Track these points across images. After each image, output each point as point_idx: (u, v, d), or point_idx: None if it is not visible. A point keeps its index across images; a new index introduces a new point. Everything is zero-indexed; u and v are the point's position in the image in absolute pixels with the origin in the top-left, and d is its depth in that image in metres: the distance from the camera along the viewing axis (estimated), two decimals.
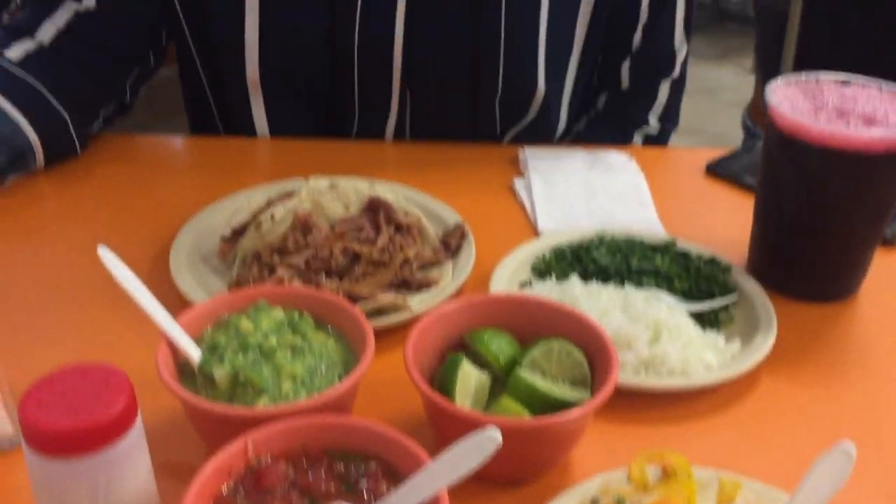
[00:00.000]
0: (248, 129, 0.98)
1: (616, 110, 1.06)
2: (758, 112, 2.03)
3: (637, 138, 1.06)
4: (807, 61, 1.70)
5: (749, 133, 2.04)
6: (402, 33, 0.91)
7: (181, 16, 0.95)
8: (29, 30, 0.89)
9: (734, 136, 2.36)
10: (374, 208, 0.72)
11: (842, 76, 0.70)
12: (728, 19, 4.09)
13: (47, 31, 0.89)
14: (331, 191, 0.73)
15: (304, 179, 0.80)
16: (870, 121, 0.65)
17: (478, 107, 0.97)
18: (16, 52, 0.87)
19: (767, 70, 1.92)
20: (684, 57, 1.05)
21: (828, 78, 0.70)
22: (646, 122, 1.06)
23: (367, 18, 0.90)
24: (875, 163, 0.63)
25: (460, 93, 0.96)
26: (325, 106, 0.97)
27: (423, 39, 0.92)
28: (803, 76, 0.70)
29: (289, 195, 0.74)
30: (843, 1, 1.64)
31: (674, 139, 1.11)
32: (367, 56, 0.92)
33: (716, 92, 3.50)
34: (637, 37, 1.01)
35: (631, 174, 0.88)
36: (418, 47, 0.92)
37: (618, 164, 0.89)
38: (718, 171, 0.90)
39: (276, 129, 0.98)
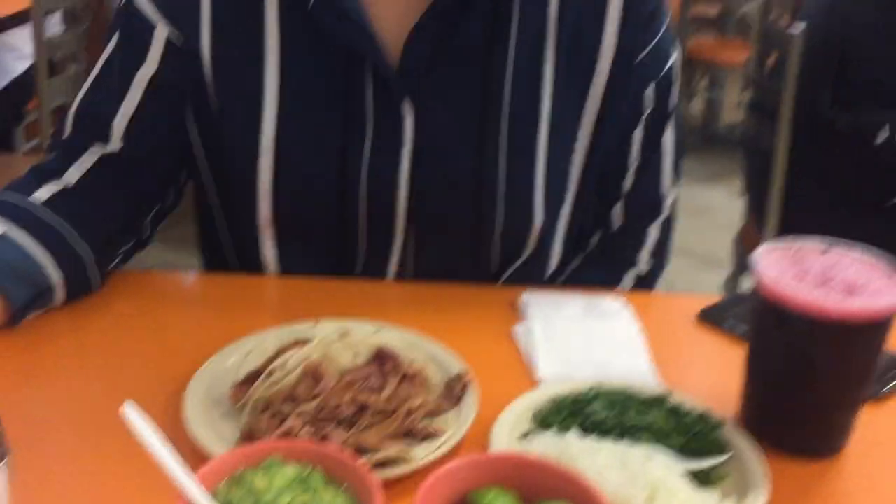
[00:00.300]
0: (258, 263, 1.02)
1: (608, 250, 1.11)
2: (748, 240, 2.09)
3: (628, 279, 1.11)
4: (793, 198, 1.77)
5: (740, 262, 2.10)
6: (406, 178, 0.97)
7: (201, 158, 1.01)
8: (56, 172, 0.94)
9: (724, 258, 2.42)
10: (382, 358, 0.75)
11: (823, 242, 0.75)
12: (718, 142, 4.24)
13: (73, 174, 0.94)
14: (341, 340, 0.76)
15: (313, 322, 0.84)
16: (850, 289, 0.69)
17: (478, 243, 1.02)
18: (43, 193, 0.92)
19: (754, 204, 1.99)
20: (673, 201, 1.11)
21: (810, 245, 0.75)
22: (637, 258, 1.10)
23: (375, 166, 0.96)
24: (857, 331, 0.68)
25: (461, 231, 1.01)
26: (332, 244, 1.01)
27: (427, 183, 0.97)
28: (786, 243, 0.75)
29: (300, 343, 0.77)
30: (827, 140, 1.73)
31: None
32: (374, 200, 0.97)
33: (706, 213, 3.60)
34: (628, 180, 1.07)
35: (626, 322, 0.92)
36: (422, 191, 0.97)
37: (613, 312, 0.93)
38: (710, 319, 0.94)
39: (285, 264, 1.02)
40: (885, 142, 1.57)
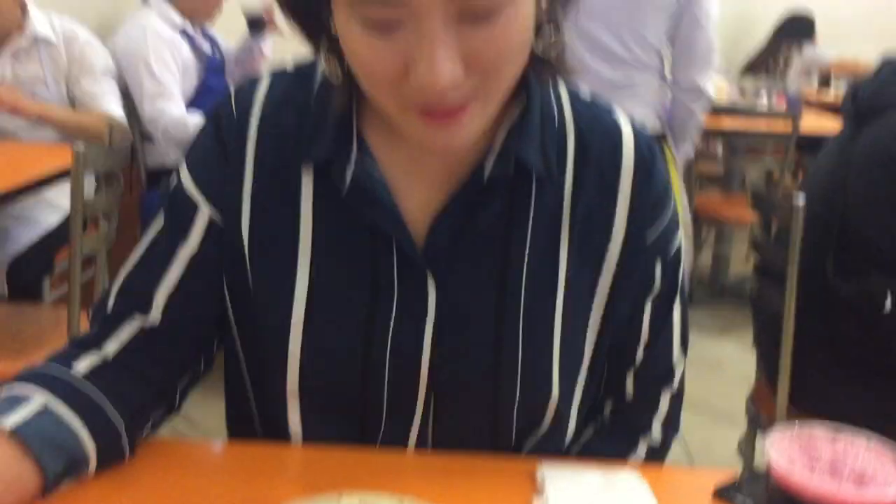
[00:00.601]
0: (283, 427, 1.05)
1: (621, 419, 1.14)
2: (760, 399, 2.10)
3: (642, 447, 1.13)
4: (804, 362, 1.79)
5: (753, 421, 2.10)
6: (429, 349, 1.01)
7: (233, 329, 1.06)
8: (96, 344, 0.99)
9: (738, 412, 2.41)
10: None
11: (832, 429, 0.78)
12: (726, 294, 4.29)
13: (112, 346, 0.99)
14: None
15: (337, 495, 0.86)
16: (860, 478, 0.72)
17: (496, 413, 1.04)
18: (83, 365, 0.96)
19: (766, 365, 2.01)
20: (681, 373, 1.14)
21: (819, 431, 0.78)
22: (650, 428, 1.13)
23: (399, 337, 1.00)
24: None
25: (480, 401, 1.04)
26: (356, 413, 1.04)
27: (449, 354, 1.01)
28: (797, 429, 0.78)
29: None
30: (833, 306, 1.77)
31: None
32: (397, 370, 1.01)
33: (718, 365, 3.61)
34: (639, 352, 1.11)
35: (643, 498, 0.93)
36: (443, 361, 1.01)
37: (630, 488, 0.95)
38: (726, 497, 0.95)
39: (309, 430, 1.05)
40: (890, 310, 1.61)
